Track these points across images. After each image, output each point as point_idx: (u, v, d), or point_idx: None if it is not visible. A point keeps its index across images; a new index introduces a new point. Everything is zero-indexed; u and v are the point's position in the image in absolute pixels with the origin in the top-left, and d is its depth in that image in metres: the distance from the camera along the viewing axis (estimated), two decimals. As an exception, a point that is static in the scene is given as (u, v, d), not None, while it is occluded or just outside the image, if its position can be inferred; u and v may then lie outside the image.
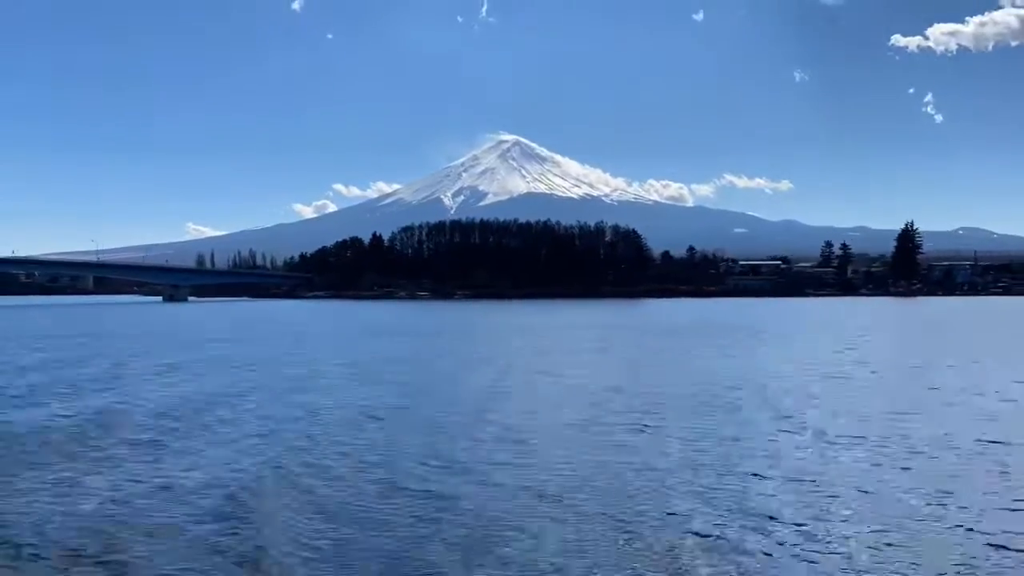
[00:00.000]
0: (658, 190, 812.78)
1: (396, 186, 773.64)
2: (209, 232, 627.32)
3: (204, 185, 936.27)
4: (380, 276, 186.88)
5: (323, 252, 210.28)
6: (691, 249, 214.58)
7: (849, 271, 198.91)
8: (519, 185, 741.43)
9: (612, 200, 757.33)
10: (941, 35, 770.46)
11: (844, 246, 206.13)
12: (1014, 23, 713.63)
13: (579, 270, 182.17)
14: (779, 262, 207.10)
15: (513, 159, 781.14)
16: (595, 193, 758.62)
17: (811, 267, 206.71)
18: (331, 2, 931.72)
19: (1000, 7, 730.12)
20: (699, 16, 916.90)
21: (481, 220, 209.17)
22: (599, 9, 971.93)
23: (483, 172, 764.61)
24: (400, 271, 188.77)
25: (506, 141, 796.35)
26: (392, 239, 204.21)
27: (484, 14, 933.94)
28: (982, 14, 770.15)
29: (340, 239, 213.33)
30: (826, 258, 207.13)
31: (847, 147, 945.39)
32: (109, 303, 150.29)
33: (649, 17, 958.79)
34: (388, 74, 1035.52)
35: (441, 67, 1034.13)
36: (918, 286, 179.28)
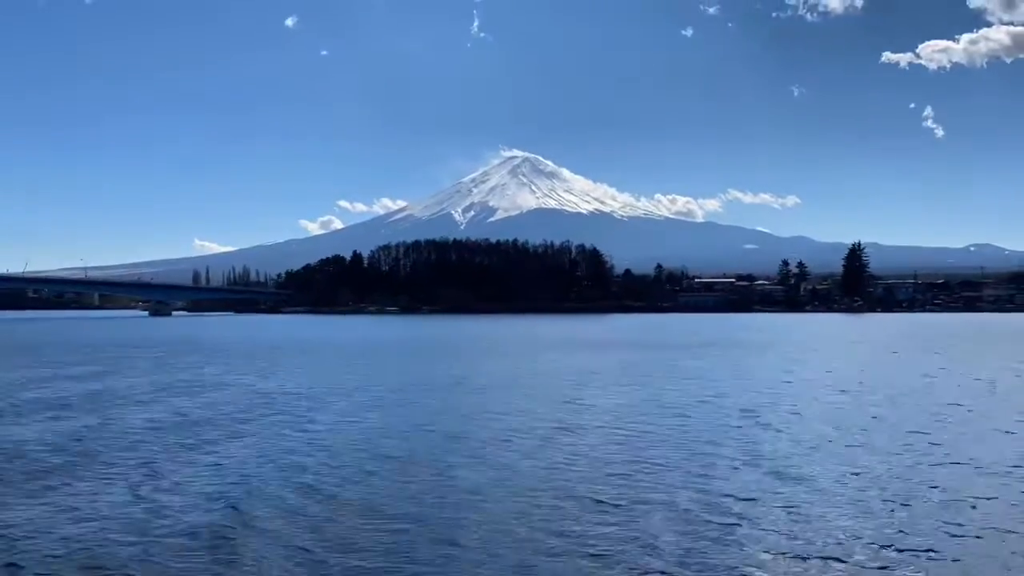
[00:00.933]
0: (666, 205, 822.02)
1: (402, 202, 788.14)
2: (216, 248, 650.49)
3: (210, 201, 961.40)
4: (357, 293, 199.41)
5: (307, 269, 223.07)
6: (659, 267, 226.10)
7: (802, 289, 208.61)
8: (529, 201, 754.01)
9: (622, 215, 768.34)
10: (933, 52, 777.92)
11: (800, 264, 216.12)
12: (1006, 40, 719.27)
13: (544, 287, 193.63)
14: (732, 280, 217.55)
15: (523, 175, 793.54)
16: (605, 208, 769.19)
17: (769, 284, 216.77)
18: (321, 19, 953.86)
19: (990, 24, 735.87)
20: (688, 32, 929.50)
21: (455, 240, 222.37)
22: (585, 21, 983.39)
23: (493, 188, 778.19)
24: (377, 288, 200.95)
25: (516, 157, 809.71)
26: (371, 257, 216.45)
27: (476, 30, 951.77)
28: (972, 31, 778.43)
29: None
30: (784, 276, 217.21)
31: (851, 162, 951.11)
32: (80, 318, 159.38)
33: (638, 31, 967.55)
34: (386, 90, 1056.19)
35: (438, 83, 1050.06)
36: (859, 303, 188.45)
